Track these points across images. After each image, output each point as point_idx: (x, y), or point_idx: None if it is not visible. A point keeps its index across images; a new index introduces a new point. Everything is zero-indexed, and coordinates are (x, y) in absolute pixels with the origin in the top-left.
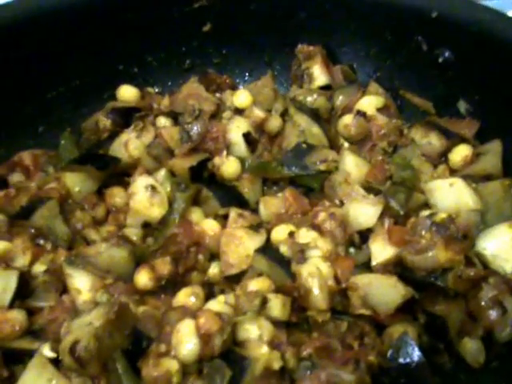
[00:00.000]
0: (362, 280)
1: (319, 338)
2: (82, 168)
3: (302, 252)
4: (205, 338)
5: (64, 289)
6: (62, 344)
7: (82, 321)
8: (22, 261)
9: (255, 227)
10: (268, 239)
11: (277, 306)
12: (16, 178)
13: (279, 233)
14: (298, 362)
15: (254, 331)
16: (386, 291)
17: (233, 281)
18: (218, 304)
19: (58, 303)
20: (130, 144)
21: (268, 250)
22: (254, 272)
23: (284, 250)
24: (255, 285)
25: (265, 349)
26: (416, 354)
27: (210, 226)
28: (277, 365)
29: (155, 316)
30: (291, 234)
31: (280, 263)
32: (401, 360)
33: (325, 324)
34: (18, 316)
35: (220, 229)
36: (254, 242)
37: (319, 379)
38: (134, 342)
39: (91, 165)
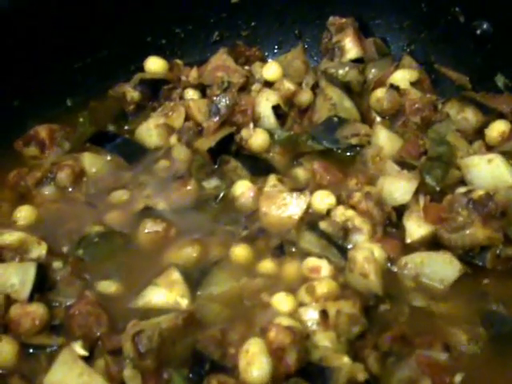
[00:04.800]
0: (414, 260)
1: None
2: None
3: (345, 233)
4: (278, 354)
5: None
6: (126, 331)
7: (150, 321)
8: (37, 252)
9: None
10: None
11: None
12: (31, 152)
13: (320, 201)
14: (381, 365)
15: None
16: (441, 268)
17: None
18: (285, 319)
19: (81, 298)
20: (158, 132)
21: (316, 227)
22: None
23: (324, 226)
24: (322, 287)
25: (346, 359)
26: None
27: (246, 188)
28: (362, 376)
29: (215, 336)
30: (328, 212)
31: (330, 242)
32: None
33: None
34: (38, 310)
35: (257, 190)
36: (296, 204)
37: (412, 366)
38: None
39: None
